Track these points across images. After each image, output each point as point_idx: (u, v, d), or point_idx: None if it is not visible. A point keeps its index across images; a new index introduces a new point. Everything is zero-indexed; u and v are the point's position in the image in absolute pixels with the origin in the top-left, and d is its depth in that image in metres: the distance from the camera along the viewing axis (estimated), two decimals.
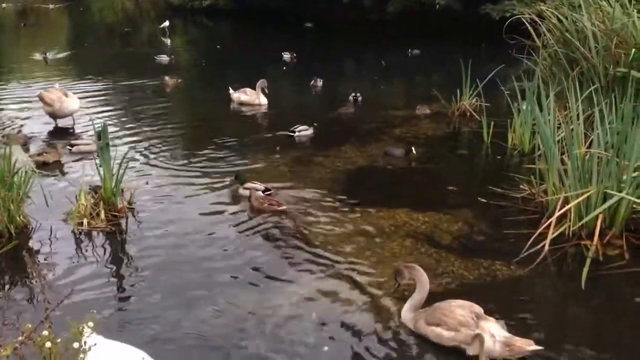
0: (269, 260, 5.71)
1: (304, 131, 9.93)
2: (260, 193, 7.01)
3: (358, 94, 12.49)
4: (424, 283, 4.63)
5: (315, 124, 10.06)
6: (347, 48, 20.78)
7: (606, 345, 4.41)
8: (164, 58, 18.93)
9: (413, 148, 8.70)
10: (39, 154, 8.52)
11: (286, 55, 18.40)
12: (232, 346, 4.38)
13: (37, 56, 19.14)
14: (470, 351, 4.24)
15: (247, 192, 7.04)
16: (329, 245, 5.94)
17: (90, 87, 14.43)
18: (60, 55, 19.94)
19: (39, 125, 10.62)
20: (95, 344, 3.28)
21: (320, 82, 14.16)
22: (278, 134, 9.97)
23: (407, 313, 4.61)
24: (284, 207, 6.76)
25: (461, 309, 4.39)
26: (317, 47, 21.67)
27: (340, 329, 4.57)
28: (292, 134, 9.84)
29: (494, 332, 4.27)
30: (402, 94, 14.60)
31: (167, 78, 14.47)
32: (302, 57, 18.40)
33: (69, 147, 8.87)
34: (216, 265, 5.60)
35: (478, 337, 4.14)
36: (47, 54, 18.89)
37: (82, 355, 3.12)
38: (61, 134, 10.18)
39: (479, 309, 4.42)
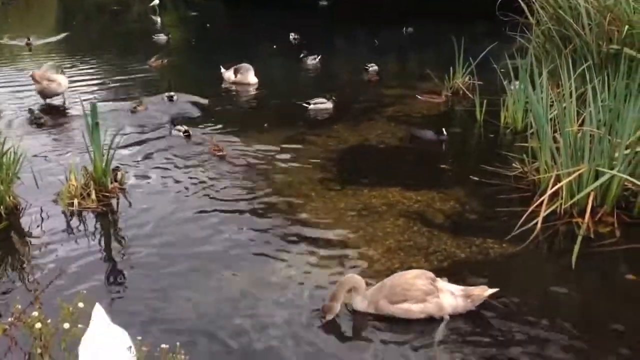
0: (260, 239, 5.69)
1: (320, 104, 9.95)
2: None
3: (371, 65, 12.88)
4: (357, 282, 4.46)
5: (334, 98, 10.03)
6: (342, 27, 20.57)
7: (596, 321, 4.44)
8: (162, 37, 18.61)
9: (444, 130, 8.41)
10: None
11: (292, 36, 18.02)
12: (223, 325, 4.37)
13: (17, 42, 18.06)
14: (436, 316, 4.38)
15: (178, 133, 8.61)
16: (321, 225, 5.93)
17: (81, 67, 14.27)
18: (49, 37, 19.55)
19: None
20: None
21: (311, 60, 14.04)
22: (271, 103, 9.91)
23: (361, 303, 4.46)
24: (224, 153, 7.82)
25: (419, 279, 4.42)
26: (322, 26, 21.30)
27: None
28: (307, 105, 9.93)
29: (451, 289, 4.42)
30: (395, 72, 14.51)
31: (153, 59, 14.26)
32: (305, 37, 18.08)
33: None
34: (207, 245, 5.58)
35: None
36: (31, 38, 17.94)
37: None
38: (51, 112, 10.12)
39: (430, 274, 4.50)
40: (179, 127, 8.70)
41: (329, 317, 4.39)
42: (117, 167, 6.94)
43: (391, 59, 15.47)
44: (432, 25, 18.69)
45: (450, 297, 4.38)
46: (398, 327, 4.36)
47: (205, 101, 10.65)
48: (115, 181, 6.71)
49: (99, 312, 3.57)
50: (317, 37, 18.13)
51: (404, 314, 4.38)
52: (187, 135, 8.54)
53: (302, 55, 14.15)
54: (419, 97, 10.77)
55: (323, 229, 5.85)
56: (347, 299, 4.52)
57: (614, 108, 6.17)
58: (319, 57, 14.08)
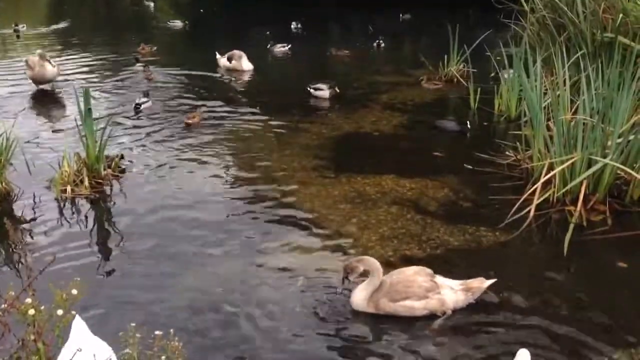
0: (254, 227, 5.69)
1: (319, 90, 10.00)
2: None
3: (382, 41, 14.80)
4: (379, 271, 4.39)
5: (337, 89, 10.02)
6: (341, 15, 20.46)
7: (588, 308, 4.47)
8: (178, 23, 18.36)
9: (468, 122, 8.29)
10: None
11: (294, 25, 17.82)
12: (217, 313, 4.38)
13: (6, 29, 17.80)
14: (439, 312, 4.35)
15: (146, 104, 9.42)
16: (315, 212, 5.93)
17: (73, 54, 14.17)
18: (42, 24, 19.32)
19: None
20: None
21: (280, 47, 14.02)
22: (260, 100, 9.90)
23: (363, 301, 4.37)
24: (191, 122, 8.54)
25: (419, 276, 4.38)
26: (321, 14, 21.11)
27: (326, 295, 4.58)
28: (309, 89, 10.09)
29: (451, 285, 4.41)
30: (390, 59, 14.48)
31: (141, 46, 14.12)
32: (305, 26, 17.93)
33: None
34: (201, 233, 5.58)
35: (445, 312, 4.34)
36: (20, 25, 17.52)
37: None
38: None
39: (429, 270, 4.48)
40: (143, 98, 9.46)
41: (352, 277, 4.37)
42: (122, 154, 7.00)
43: (386, 45, 15.42)
44: (428, 12, 18.64)
45: (451, 292, 4.36)
46: (397, 324, 4.32)
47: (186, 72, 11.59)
48: (109, 168, 6.69)
49: (79, 324, 3.51)
50: (317, 24, 18.03)
51: (407, 312, 4.32)
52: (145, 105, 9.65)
53: (269, 45, 14.15)
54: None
55: (317, 216, 5.85)
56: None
57: (607, 96, 6.18)
58: (289, 46, 14.05)
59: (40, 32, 18.10)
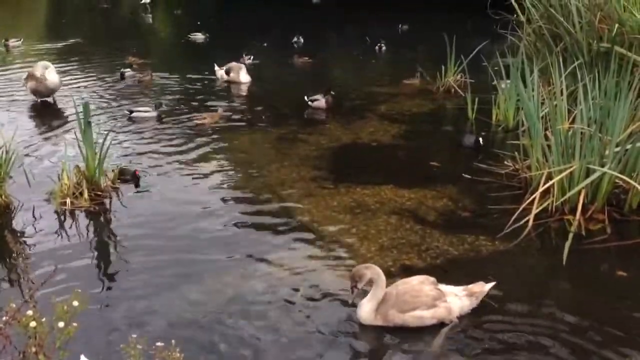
0: (254, 238, 5.70)
1: (315, 101, 10.04)
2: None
3: (383, 44, 15.86)
4: (383, 281, 4.33)
5: (332, 94, 10.06)
6: (337, 25, 20.53)
7: (587, 318, 4.47)
8: (199, 36, 18.09)
9: (480, 139, 8.12)
10: None
11: (295, 39, 17.65)
12: (217, 326, 4.37)
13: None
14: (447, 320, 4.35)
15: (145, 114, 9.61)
16: (314, 223, 5.94)
17: (74, 66, 14.19)
18: (40, 37, 19.28)
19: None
20: None
21: (247, 59, 14.10)
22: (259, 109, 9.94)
23: (371, 314, 4.29)
24: (202, 122, 9.09)
25: (425, 285, 4.37)
26: (315, 25, 21.10)
27: (326, 306, 4.59)
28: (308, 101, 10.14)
29: (454, 291, 4.42)
30: (387, 70, 14.54)
31: (130, 56, 14.08)
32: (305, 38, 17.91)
33: None
34: (200, 244, 5.58)
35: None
36: (12, 39, 17.40)
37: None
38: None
39: (432, 279, 4.47)
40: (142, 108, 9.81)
41: (360, 285, 4.29)
42: (136, 171, 6.98)
43: (384, 56, 15.50)
44: (426, 23, 18.73)
45: (456, 299, 4.37)
46: (401, 335, 4.28)
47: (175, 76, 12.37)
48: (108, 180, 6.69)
49: None
50: (311, 35, 18.09)
51: (417, 322, 4.28)
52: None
53: (241, 57, 14.32)
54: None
55: (316, 226, 5.86)
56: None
57: (605, 106, 6.22)
58: (252, 57, 14.16)
59: (38, 44, 18.10)
